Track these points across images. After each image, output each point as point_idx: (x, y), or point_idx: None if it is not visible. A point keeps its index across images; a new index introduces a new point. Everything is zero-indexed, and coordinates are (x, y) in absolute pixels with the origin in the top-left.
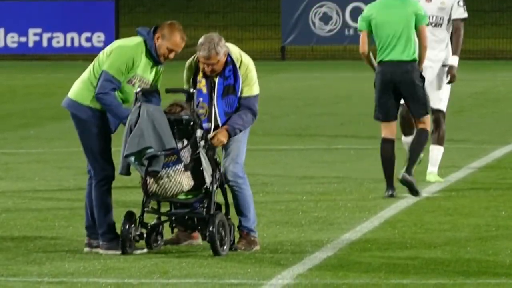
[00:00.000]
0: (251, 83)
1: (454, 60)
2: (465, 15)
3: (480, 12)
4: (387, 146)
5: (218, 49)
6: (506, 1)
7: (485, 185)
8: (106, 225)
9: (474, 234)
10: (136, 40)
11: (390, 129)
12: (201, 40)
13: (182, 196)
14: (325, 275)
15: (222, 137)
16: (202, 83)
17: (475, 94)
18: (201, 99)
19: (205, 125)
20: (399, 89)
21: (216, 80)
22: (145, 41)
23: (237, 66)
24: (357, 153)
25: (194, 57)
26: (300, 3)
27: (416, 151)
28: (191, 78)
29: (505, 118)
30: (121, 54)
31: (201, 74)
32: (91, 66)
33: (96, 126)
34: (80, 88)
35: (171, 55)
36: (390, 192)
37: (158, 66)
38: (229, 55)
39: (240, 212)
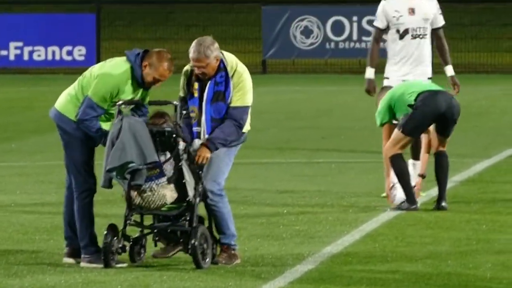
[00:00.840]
0: (243, 93)
1: (451, 70)
2: (443, 22)
3: (460, 26)
4: (403, 160)
5: (207, 52)
6: (486, 14)
7: (466, 199)
8: (88, 237)
9: (455, 248)
10: (124, 67)
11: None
12: (193, 42)
13: (164, 208)
14: None
15: (204, 153)
16: (194, 87)
17: None
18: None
19: (195, 129)
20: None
21: (208, 84)
22: (131, 67)
23: (230, 74)
24: (338, 167)
25: (190, 63)
26: (281, 16)
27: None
28: (186, 84)
29: (487, 131)
30: (106, 82)
31: (194, 78)
32: (77, 82)
33: (80, 139)
34: (67, 101)
35: (158, 84)
36: (416, 205)
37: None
38: (222, 62)
39: (219, 230)
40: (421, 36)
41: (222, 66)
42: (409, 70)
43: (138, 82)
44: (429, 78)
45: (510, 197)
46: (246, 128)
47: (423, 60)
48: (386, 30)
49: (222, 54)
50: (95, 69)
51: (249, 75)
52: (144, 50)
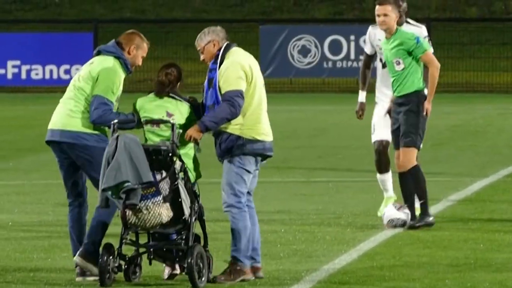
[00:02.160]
0: (228, 80)
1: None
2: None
3: (458, 45)
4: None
5: (202, 36)
6: (485, 34)
7: (464, 218)
8: (92, 239)
9: (453, 267)
10: (111, 60)
11: None
12: None
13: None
14: None
15: (192, 131)
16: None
17: (454, 127)
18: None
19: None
20: None
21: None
22: (117, 58)
23: (221, 62)
24: (335, 186)
25: None
26: (279, 35)
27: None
28: None
29: (484, 150)
30: (109, 75)
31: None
32: (73, 96)
33: (103, 149)
34: (72, 117)
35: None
36: (432, 218)
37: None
38: (219, 50)
39: (232, 240)
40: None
41: (218, 54)
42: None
43: (126, 70)
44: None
45: (508, 216)
46: (264, 137)
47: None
48: (375, 56)
49: (228, 47)
50: (88, 74)
51: (240, 65)
52: (114, 41)
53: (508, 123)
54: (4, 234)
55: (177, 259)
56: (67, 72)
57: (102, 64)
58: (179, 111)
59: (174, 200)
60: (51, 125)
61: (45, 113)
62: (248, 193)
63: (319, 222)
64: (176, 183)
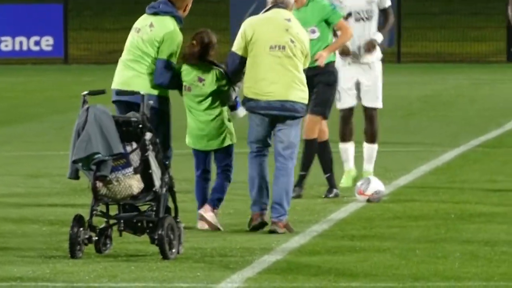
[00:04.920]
0: None
1: (379, 37)
2: (390, 2)
3: (429, 15)
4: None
5: None
6: (455, 3)
7: (435, 188)
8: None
9: (423, 237)
10: (168, 19)
11: None
12: None
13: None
14: (275, 279)
15: None
16: None
17: (425, 97)
18: None
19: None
20: None
21: None
22: (173, 16)
23: None
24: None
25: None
26: (249, 7)
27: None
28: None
29: (455, 121)
30: (173, 39)
31: None
32: (137, 58)
33: (167, 112)
34: (141, 79)
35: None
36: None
37: None
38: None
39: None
40: (364, 19)
41: None
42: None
43: (180, 24)
44: (381, 60)
45: (479, 186)
46: (260, 96)
47: None
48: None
49: (266, 9)
50: (152, 39)
51: (241, 27)
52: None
53: (479, 93)
54: None
55: (148, 230)
56: (37, 43)
57: (163, 27)
58: (209, 77)
59: (144, 171)
60: (117, 85)
61: (16, 85)
62: (278, 151)
63: None
64: (146, 154)
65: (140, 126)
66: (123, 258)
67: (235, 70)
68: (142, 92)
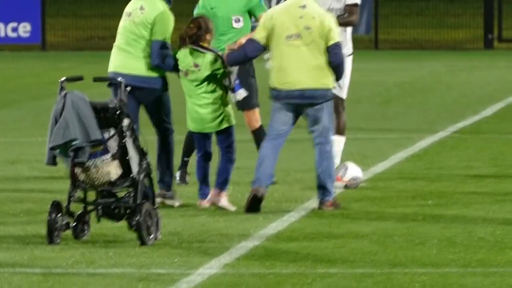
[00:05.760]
0: None
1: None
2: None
3: (406, 1)
4: None
5: None
6: None
7: (412, 175)
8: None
9: (401, 224)
10: (160, 1)
11: None
12: None
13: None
14: (252, 265)
15: None
16: None
17: (402, 84)
18: None
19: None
20: None
21: None
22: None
23: None
24: (284, 143)
25: None
26: None
27: None
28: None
29: (432, 107)
30: (164, 20)
31: None
32: (130, 41)
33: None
34: (138, 62)
35: None
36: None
37: None
38: None
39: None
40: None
41: None
42: None
43: (169, 4)
44: (349, 55)
45: (456, 172)
46: (280, 86)
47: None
48: None
49: None
50: (144, 21)
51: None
52: None
53: (456, 80)
54: None
55: (126, 216)
56: (15, 30)
57: (154, 9)
58: (204, 62)
59: (122, 157)
60: (115, 68)
61: None
62: (314, 139)
63: None
64: (124, 140)
65: (118, 112)
66: (101, 244)
67: (248, 59)
68: (119, 79)
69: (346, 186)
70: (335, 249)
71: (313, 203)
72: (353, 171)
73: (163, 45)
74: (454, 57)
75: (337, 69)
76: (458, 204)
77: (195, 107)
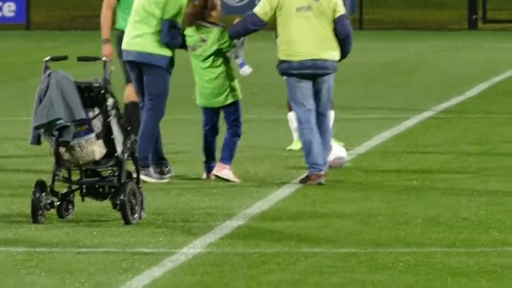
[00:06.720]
0: None
1: None
2: None
3: None
4: None
5: None
6: None
7: (396, 154)
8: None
9: (385, 203)
10: None
11: None
12: None
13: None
14: (237, 244)
15: None
16: None
17: (387, 64)
18: None
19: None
20: None
21: None
22: None
23: None
24: (268, 123)
25: None
26: None
27: None
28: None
29: (417, 87)
30: (178, 1)
31: None
32: (143, 19)
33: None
34: (148, 40)
35: None
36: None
37: None
38: None
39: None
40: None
41: None
42: None
43: None
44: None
45: (440, 152)
46: (291, 57)
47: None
48: None
49: None
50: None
51: None
52: None
53: (441, 61)
54: None
55: (110, 196)
56: None
57: None
58: (211, 37)
59: (106, 137)
60: (127, 46)
61: None
62: (318, 110)
63: (252, 158)
64: (108, 120)
65: (102, 91)
66: (85, 223)
67: (248, 32)
68: (103, 59)
69: (330, 166)
70: (319, 229)
71: (298, 182)
72: (337, 151)
73: (173, 24)
74: (439, 38)
75: (345, 40)
76: (443, 184)
77: (202, 82)
